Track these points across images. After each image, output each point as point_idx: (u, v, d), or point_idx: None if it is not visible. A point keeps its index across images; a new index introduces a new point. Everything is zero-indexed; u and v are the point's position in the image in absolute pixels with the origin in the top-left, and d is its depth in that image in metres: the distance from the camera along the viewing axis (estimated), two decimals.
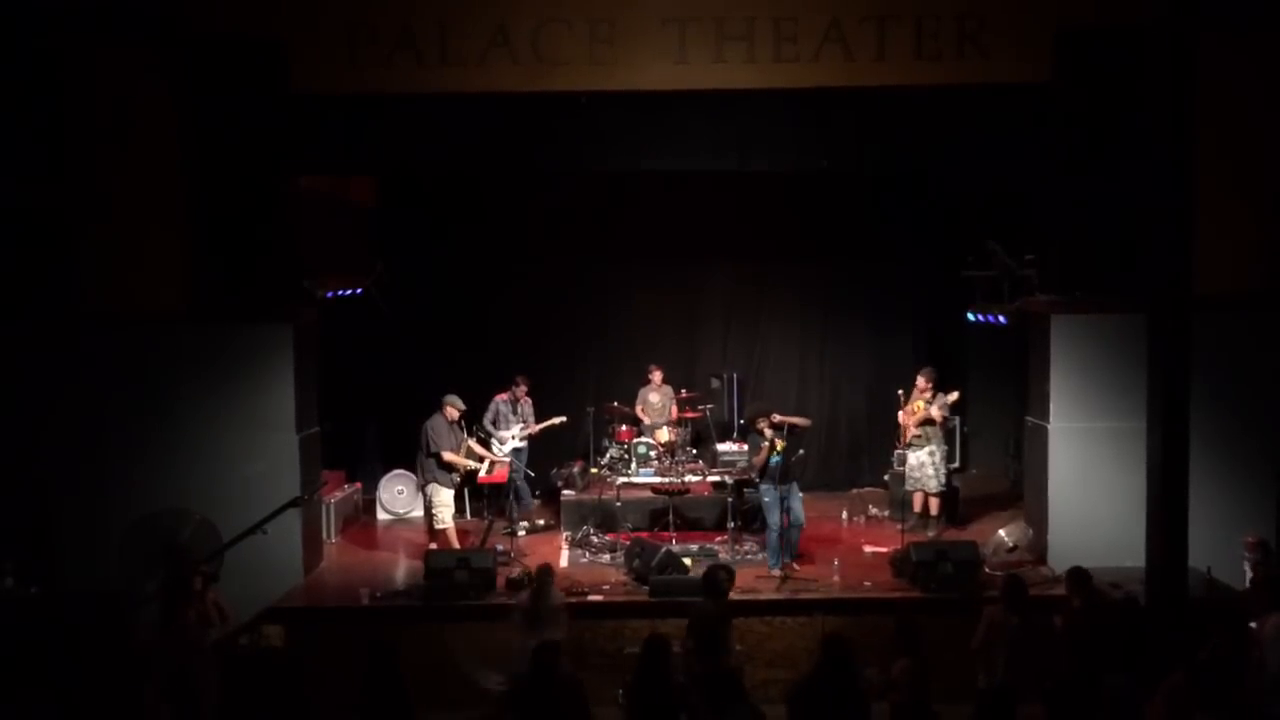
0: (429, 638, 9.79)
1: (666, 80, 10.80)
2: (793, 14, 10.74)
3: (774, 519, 10.98)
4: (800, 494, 11.25)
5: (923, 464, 12.13)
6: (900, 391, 12.54)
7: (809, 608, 10.11)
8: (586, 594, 10.35)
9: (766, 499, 11.07)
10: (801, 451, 11.47)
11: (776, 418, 11.10)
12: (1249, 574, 9.36)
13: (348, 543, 12.78)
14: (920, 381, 12.28)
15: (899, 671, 7.51)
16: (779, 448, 10.97)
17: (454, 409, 11.60)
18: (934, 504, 12.27)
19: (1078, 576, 8.54)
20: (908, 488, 12.32)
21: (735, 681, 7.16)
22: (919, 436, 12.14)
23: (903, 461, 12.46)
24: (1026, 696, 6.99)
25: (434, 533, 11.63)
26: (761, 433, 11.06)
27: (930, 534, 11.98)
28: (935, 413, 12.09)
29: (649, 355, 14.29)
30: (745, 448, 13.50)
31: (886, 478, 13.57)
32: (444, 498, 11.53)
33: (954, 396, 12.26)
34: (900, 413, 12.46)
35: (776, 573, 10.83)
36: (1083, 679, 7.41)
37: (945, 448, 12.43)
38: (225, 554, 8.97)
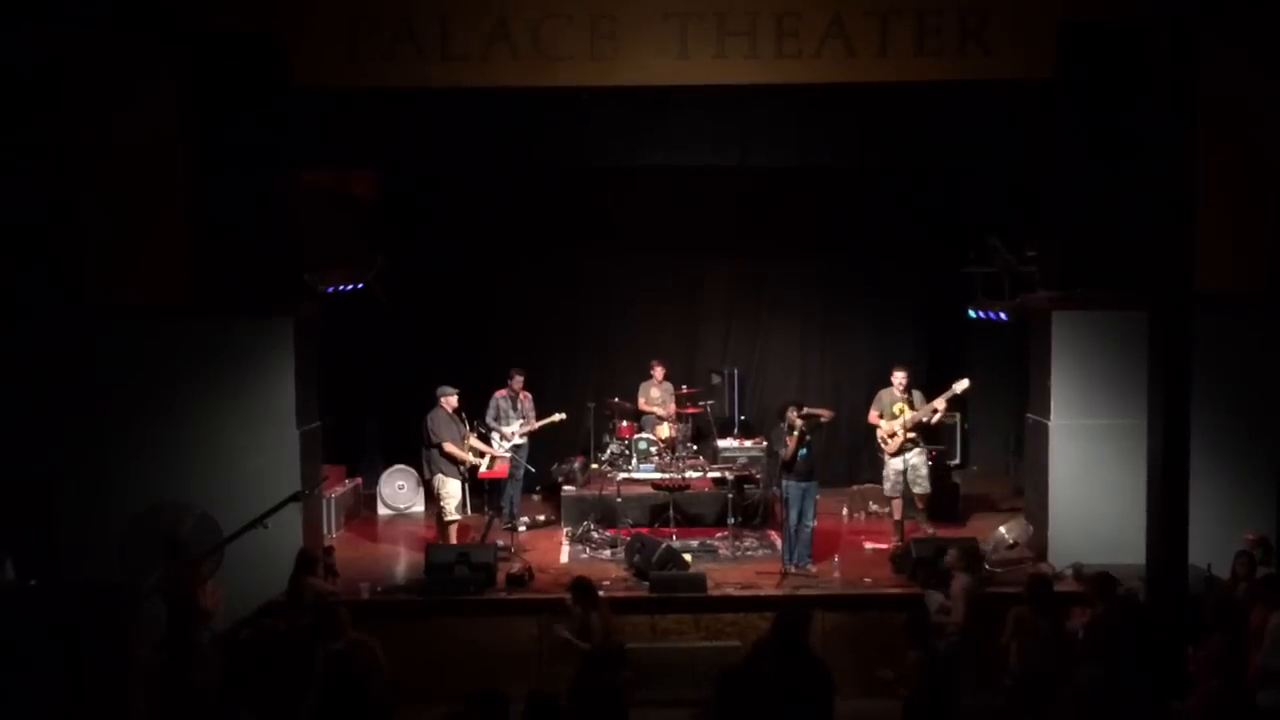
0: (429, 632, 9.81)
1: (668, 76, 10.77)
2: (795, 9, 10.70)
3: (794, 515, 10.94)
4: (817, 495, 11.13)
5: (915, 466, 11.87)
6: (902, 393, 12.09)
7: (809, 604, 10.09)
8: None
9: (790, 495, 10.96)
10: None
11: (805, 409, 11.00)
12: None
13: (348, 537, 12.79)
14: (900, 378, 11.92)
15: (910, 665, 7.48)
16: (808, 439, 10.90)
17: (449, 400, 11.60)
18: (919, 503, 12.17)
19: (1104, 581, 8.47)
20: (915, 490, 11.95)
21: None
22: (912, 439, 11.84)
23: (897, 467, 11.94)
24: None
25: (443, 525, 11.61)
26: (791, 424, 10.91)
27: (929, 530, 11.96)
28: (940, 404, 11.91)
29: (650, 351, 14.27)
30: (748, 443, 13.54)
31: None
32: (451, 489, 11.52)
33: (964, 385, 11.91)
34: (882, 421, 11.89)
35: (812, 569, 10.81)
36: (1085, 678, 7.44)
37: (925, 445, 12.17)
38: (226, 548, 8.97)
